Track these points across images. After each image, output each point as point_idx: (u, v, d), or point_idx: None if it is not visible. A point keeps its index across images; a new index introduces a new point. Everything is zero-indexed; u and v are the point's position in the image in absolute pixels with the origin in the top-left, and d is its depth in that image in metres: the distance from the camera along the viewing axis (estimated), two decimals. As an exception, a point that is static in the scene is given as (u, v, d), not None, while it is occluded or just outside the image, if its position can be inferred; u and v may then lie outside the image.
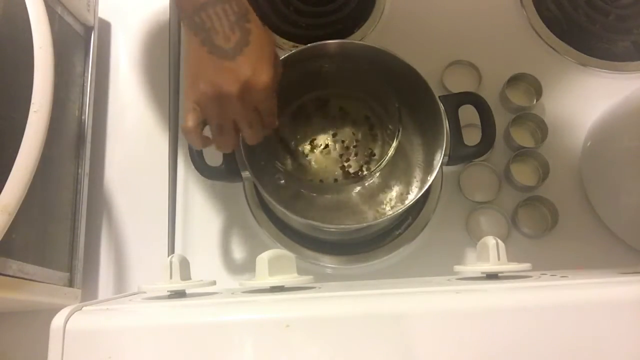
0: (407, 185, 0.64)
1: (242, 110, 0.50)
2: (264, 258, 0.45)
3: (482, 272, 0.46)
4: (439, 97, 0.59)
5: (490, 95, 0.71)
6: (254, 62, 0.48)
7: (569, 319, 0.38)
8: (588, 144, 0.70)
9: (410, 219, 0.66)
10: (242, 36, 0.48)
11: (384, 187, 0.64)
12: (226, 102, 0.49)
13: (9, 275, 0.54)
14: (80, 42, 0.73)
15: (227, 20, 0.47)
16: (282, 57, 0.55)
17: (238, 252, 0.69)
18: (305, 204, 0.63)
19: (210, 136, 0.53)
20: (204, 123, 0.52)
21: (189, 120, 0.51)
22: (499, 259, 0.45)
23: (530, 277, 0.46)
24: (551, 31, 0.76)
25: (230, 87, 0.48)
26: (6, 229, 0.48)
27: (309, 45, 0.60)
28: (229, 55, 0.48)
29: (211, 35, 0.47)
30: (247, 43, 0.48)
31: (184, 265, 0.47)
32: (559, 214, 0.67)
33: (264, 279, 0.45)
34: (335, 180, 0.64)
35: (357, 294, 0.43)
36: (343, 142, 0.66)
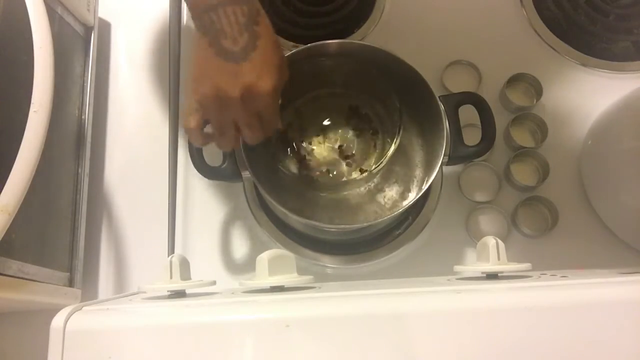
0: (407, 185, 0.64)
1: (243, 114, 0.50)
2: (264, 258, 0.45)
3: (482, 272, 0.46)
4: (439, 97, 0.59)
5: (490, 95, 0.71)
6: (259, 68, 0.48)
7: (569, 319, 0.38)
8: (588, 144, 0.70)
9: (410, 219, 0.66)
10: (250, 40, 0.48)
11: (384, 187, 0.64)
12: (228, 104, 0.49)
13: (9, 275, 0.54)
14: (80, 42, 0.73)
15: (236, 22, 0.47)
16: (287, 78, 0.55)
17: (238, 252, 0.69)
18: (305, 203, 0.63)
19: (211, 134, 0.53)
20: (205, 122, 0.52)
21: (191, 120, 0.51)
22: (499, 259, 0.45)
23: (530, 277, 0.46)
24: (551, 31, 0.76)
25: (232, 91, 0.48)
26: (6, 229, 0.48)
27: (309, 45, 0.60)
28: (235, 58, 0.47)
29: (219, 36, 0.47)
30: (254, 47, 0.48)
31: (184, 265, 0.47)
32: (559, 214, 0.67)
33: (264, 279, 0.45)
34: (335, 179, 0.64)
35: (357, 294, 0.43)
36: (343, 141, 0.66)
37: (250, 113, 0.50)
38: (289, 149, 0.65)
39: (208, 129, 0.53)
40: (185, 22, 0.76)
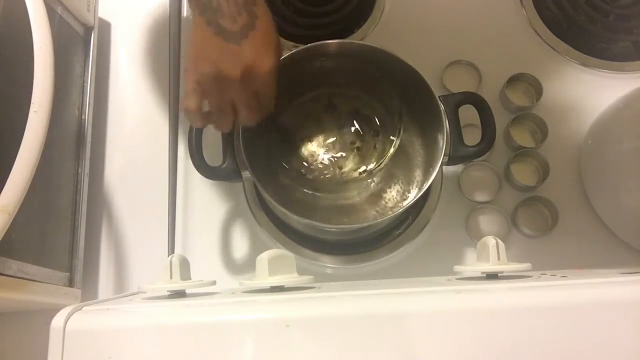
0: (407, 185, 0.64)
1: (241, 94, 0.50)
2: (264, 258, 0.45)
3: (482, 272, 0.46)
4: (439, 97, 0.59)
5: (490, 95, 0.71)
6: (258, 47, 0.48)
7: (569, 319, 0.38)
8: (588, 144, 0.70)
9: (410, 219, 0.66)
10: (249, 20, 0.48)
11: (384, 187, 0.64)
12: (227, 84, 0.49)
13: (9, 275, 0.54)
14: (80, 42, 0.73)
15: (234, 2, 0.47)
16: (282, 56, 0.55)
17: (238, 252, 0.69)
18: (305, 203, 0.63)
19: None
20: (204, 103, 0.52)
21: (190, 100, 0.51)
22: (499, 259, 0.45)
23: (530, 277, 0.46)
24: (551, 31, 0.76)
25: (232, 71, 0.48)
26: (6, 229, 0.48)
27: (309, 45, 0.60)
28: (234, 38, 0.48)
29: (217, 16, 0.47)
30: (252, 27, 0.48)
31: (184, 265, 0.47)
32: (559, 214, 0.67)
33: (264, 279, 0.45)
34: (336, 179, 0.64)
35: (357, 294, 0.43)
36: (343, 141, 0.66)
37: (249, 93, 0.50)
38: (288, 149, 0.65)
39: (206, 108, 0.53)
40: (185, 22, 0.76)
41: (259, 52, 0.48)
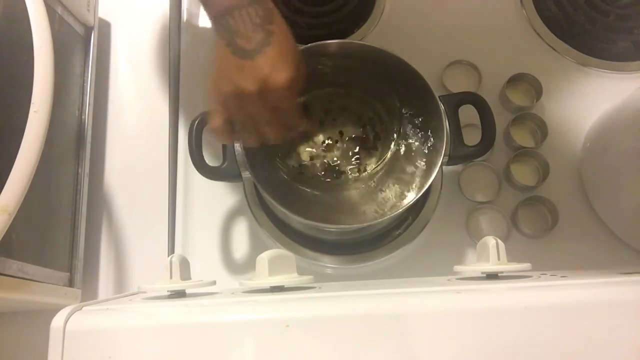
0: (407, 185, 0.64)
1: (261, 109, 0.51)
2: (264, 258, 0.45)
3: (482, 272, 0.46)
4: (439, 97, 0.59)
5: (490, 95, 0.71)
6: (273, 60, 0.49)
7: (569, 319, 0.38)
8: (588, 144, 0.70)
9: (410, 219, 0.66)
10: (264, 37, 0.49)
11: (384, 187, 0.64)
12: (246, 100, 0.50)
13: (9, 275, 0.54)
14: (80, 42, 0.73)
15: (251, 22, 0.49)
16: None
17: (238, 252, 0.69)
18: (305, 203, 0.63)
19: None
20: (229, 121, 0.53)
21: (215, 121, 0.53)
22: (499, 259, 0.45)
23: (530, 277, 0.46)
24: (551, 31, 0.76)
25: (249, 86, 0.49)
26: (6, 229, 0.48)
27: (309, 45, 0.60)
28: (249, 55, 0.49)
29: (235, 37, 0.49)
30: (268, 44, 0.49)
31: (184, 265, 0.47)
32: (559, 214, 0.67)
33: (264, 279, 0.45)
34: (335, 179, 0.64)
35: (357, 294, 0.43)
36: (343, 141, 0.66)
37: (268, 108, 0.51)
38: (289, 149, 0.65)
39: (231, 126, 0.54)
40: (185, 23, 0.76)
41: (274, 66, 0.49)
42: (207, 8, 0.50)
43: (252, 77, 0.49)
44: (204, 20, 0.79)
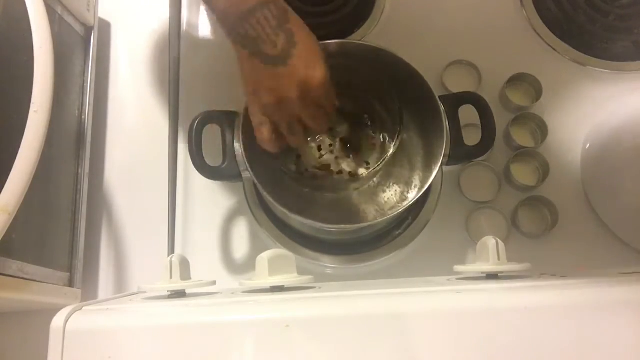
0: (407, 185, 0.64)
1: (305, 110, 0.51)
2: (264, 258, 0.45)
3: (482, 272, 0.46)
4: (439, 97, 0.59)
5: (490, 95, 0.71)
6: (305, 61, 0.49)
7: (568, 319, 0.38)
8: (588, 144, 0.70)
9: (410, 219, 0.66)
10: (288, 39, 0.49)
11: (384, 187, 0.64)
12: (289, 105, 0.50)
13: (9, 275, 0.54)
14: (80, 42, 0.73)
15: (269, 26, 0.48)
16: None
17: (238, 252, 0.69)
18: (305, 203, 0.63)
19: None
20: (275, 130, 0.54)
21: (263, 133, 0.54)
22: (499, 259, 0.45)
23: (530, 277, 0.46)
24: (551, 31, 0.76)
25: (290, 92, 0.49)
26: (6, 229, 0.48)
27: (309, 45, 0.60)
28: (281, 61, 0.48)
29: (259, 44, 0.48)
30: (293, 45, 0.49)
31: (184, 265, 0.47)
32: (559, 214, 0.67)
33: (264, 279, 0.45)
34: (336, 179, 0.64)
35: (357, 294, 0.43)
36: (344, 141, 0.66)
37: (312, 106, 0.52)
38: (288, 149, 0.65)
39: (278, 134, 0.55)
40: (185, 23, 0.76)
41: (308, 66, 0.49)
42: (221, 20, 0.49)
43: (291, 83, 0.49)
44: (205, 20, 0.79)
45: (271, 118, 0.53)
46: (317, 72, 0.49)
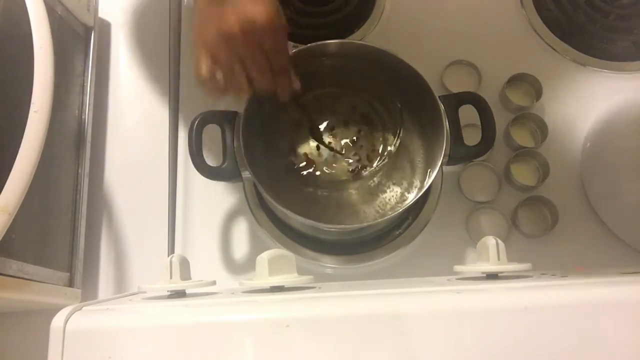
0: (407, 185, 0.64)
1: (246, 48, 0.51)
2: (264, 258, 0.45)
3: (482, 272, 0.46)
4: (439, 97, 0.59)
5: (490, 95, 0.71)
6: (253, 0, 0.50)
7: (569, 319, 0.38)
8: (588, 144, 0.70)
9: (410, 219, 0.66)
10: None
11: (384, 187, 0.64)
12: (231, 41, 0.50)
13: (9, 275, 0.54)
14: (80, 42, 0.73)
15: None
16: (281, 10, 0.55)
17: (238, 252, 0.69)
18: (305, 203, 0.63)
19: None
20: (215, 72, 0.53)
21: (202, 67, 0.53)
22: (499, 259, 0.45)
23: (530, 277, 0.46)
24: (551, 31, 0.76)
25: (231, 26, 0.50)
26: (6, 229, 0.48)
27: (309, 45, 0.60)
28: (232, 2, 0.49)
29: None
30: None
31: (184, 265, 0.47)
32: (559, 214, 0.67)
33: (264, 279, 0.45)
34: (336, 179, 0.64)
35: (357, 294, 0.43)
36: (344, 141, 0.66)
37: (254, 45, 0.51)
38: (289, 149, 0.65)
39: (219, 75, 0.54)
40: (185, 22, 0.76)
41: (254, 2, 0.49)
42: None
43: (233, 18, 0.49)
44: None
45: (212, 55, 0.52)
46: (260, 7, 0.49)
